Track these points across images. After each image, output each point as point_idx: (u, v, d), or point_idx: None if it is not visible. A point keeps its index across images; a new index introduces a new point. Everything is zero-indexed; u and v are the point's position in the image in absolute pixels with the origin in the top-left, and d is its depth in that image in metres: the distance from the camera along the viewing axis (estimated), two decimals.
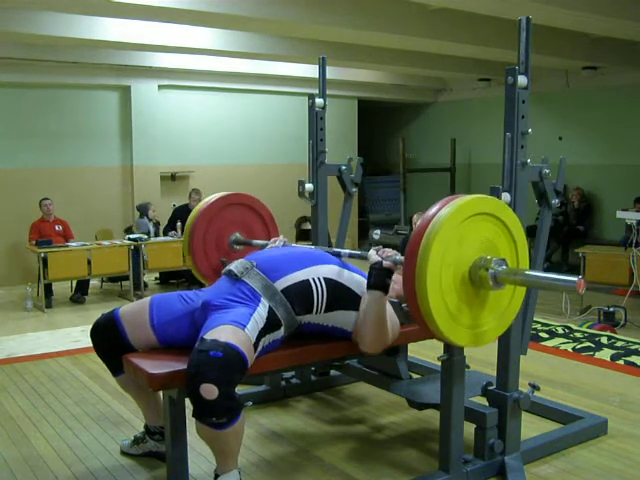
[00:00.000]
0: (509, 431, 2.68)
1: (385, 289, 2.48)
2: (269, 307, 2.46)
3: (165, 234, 7.51)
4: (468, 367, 2.61)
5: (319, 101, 3.56)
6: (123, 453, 2.94)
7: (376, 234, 7.74)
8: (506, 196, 2.55)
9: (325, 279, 2.59)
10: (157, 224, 7.70)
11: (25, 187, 7.69)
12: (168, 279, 7.79)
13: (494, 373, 2.79)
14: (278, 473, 2.76)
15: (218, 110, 9.14)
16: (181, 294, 2.67)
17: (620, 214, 6.24)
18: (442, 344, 2.51)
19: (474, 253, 2.24)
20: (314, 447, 2.99)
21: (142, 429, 2.95)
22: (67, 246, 6.73)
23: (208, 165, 9.00)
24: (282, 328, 2.51)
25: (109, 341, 2.61)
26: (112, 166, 8.44)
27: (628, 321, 5.61)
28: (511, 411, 2.68)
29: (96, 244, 6.96)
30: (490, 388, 2.75)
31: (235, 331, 2.27)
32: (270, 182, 9.10)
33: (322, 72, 3.62)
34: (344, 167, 3.66)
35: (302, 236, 6.78)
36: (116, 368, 2.66)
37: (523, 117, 2.56)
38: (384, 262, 2.47)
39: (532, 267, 2.65)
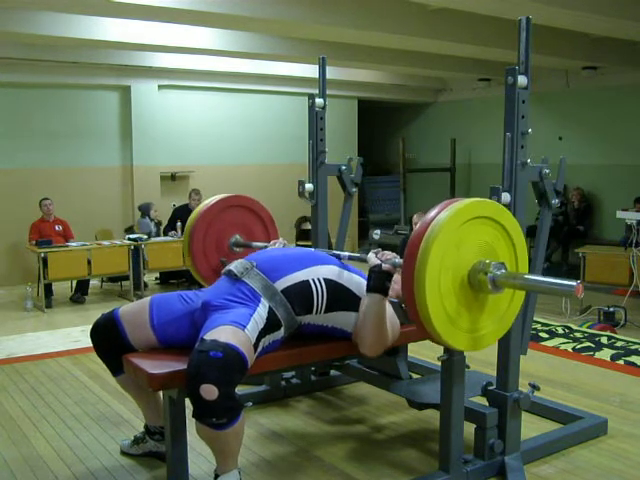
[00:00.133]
0: (509, 431, 2.68)
1: (385, 292, 2.48)
2: (269, 307, 2.46)
3: (165, 234, 7.51)
4: (468, 367, 2.61)
5: (319, 101, 3.56)
6: (123, 453, 2.94)
7: (376, 234, 7.74)
8: (506, 196, 2.55)
9: (325, 280, 2.59)
10: (158, 224, 7.70)
11: (25, 187, 7.69)
12: (168, 279, 7.79)
13: (494, 373, 2.79)
14: (278, 473, 2.76)
15: (218, 110, 9.14)
16: (181, 294, 2.67)
17: (620, 214, 6.24)
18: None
19: (473, 257, 2.24)
20: (314, 447, 2.99)
21: (142, 429, 2.95)
22: (67, 246, 6.74)
23: (208, 165, 9.00)
24: (282, 328, 2.51)
25: (109, 341, 2.61)
26: (112, 166, 8.44)
27: (628, 321, 5.61)
28: (511, 411, 2.68)
29: (96, 244, 6.97)
30: (490, 388, 2.75)
31: (235, 331, 2.27)
32: (270, 182, 9.11)
33: (322, 72, 3.62)
34: (344, 167, 3.66)
35: (302, 236, 6.76)
36: (116, 368, 2.66)
37: (523, 117, 2.55)
38: (383, 265, 2.47)
39: (532, 268, 2.66)
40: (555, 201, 2.76)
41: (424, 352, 3.82)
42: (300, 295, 2.53)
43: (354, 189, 3.70)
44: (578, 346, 4.71)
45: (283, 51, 7.09)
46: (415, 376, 3.38)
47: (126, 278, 7.03)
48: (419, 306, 2.12)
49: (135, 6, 4.88)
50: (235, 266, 2.59)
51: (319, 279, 2.58)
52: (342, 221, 3.80)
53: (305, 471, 2.77)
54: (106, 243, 7.01)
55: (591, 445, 2.99)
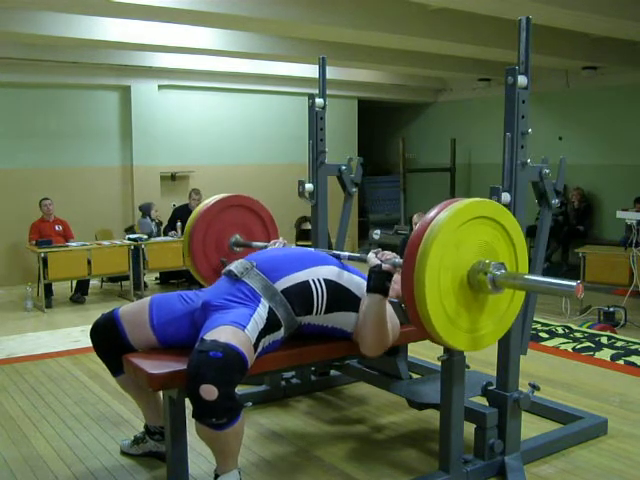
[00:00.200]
0: (509, 431, 2.68)
1: (385, 292, 2.47)
2: (269, 308, 2.46)
3: (165, 234, 7.51)
4: (468, 367, 2.61)
5: (319, 101, 3.56)
6: (123, 453, 2.94)
7: (376, 234, 7.74)
8: (506, 196, 2.55)
9: (325, 280, 2.59)
10: (159, 224, 7.70)
11: (25, 187, 7.69)
12: (168, 279, 7.79)
13: (494, 373, 2.79)
14: (278, 473, 2.76)
15: (218, 110, 9.14)
16: (181, 294, 2.67)
17: (620, 214, 6.24)
18: None
19: (473, 257, 2.23)
20: (314, 447, 2.99)
21: (142, 429, 2.95)
22: (67, 246, 6.74)
23: (208, 165, 9.00)
24: (282, 329, 2.51)
25: (109, 341, 2.61)
26: (112, 166, 8.44)
27: (628, 321, 5.61)
28: (511, 411, 2.68)
29: (96, 244, 6.97)
30: (490, 388, 2.75)
31: (235, 332, 2.27)
32: (270, 182, 9.11)
33: (322, 72, 3.62)
34: (344, 167, 3.65)
35: (302, 236, 6.76)
36: (116, 368, 2.66)
37: (523, 117, 2.55)
38: (383, 265, 2.47)
39: (532, 268, 2.65)
40: (555, 201, 2.76)
41: (424, 352, 3.82)
42: (300, 295, 2.53)
43: (354, 189, 3.70)
44: (578, 346, 4.71)
45: (283, 51, 7.09)
46: (415, 376, 3.38)
47: (126, 278, 7.03)
48: (419, 306, 2.12)
49: (135, 6, 4.88)
50: (235, 266, 2.59)
51: (319, 279, 2.58)
52: (342, 221, 3.80)
53: (305, 471, 2.77)
54: (106, 243, 7.01)
55: (591, 445, 2.99)
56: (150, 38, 6.42)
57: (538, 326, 5.28)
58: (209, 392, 2.09)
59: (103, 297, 7.18)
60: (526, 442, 2.83)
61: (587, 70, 8.24)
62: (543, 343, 4.81)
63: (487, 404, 2.74)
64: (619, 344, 4.75)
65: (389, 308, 2.59)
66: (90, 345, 2.71)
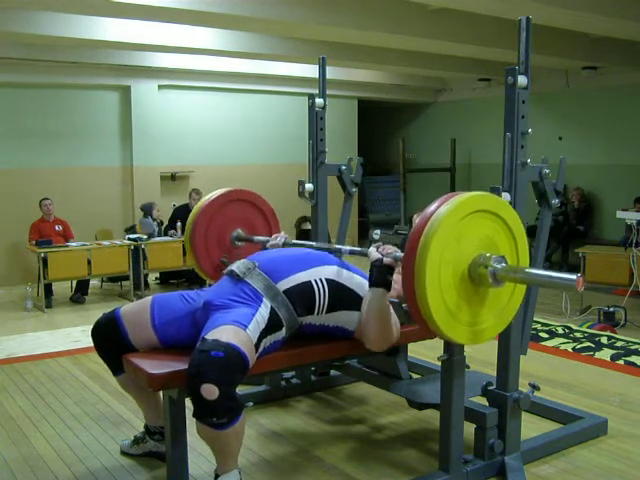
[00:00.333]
0: (509, 431, 2.68)
1: (387, 286, 2.48)
2: (271, 308, 2.46)
3: (166, 234, 7.51)
4: (468, 367, 2.61)
5: (319, 101, 3.56)
6: (123, 453, 2.94)
7: (376, 234, 7.72)
8: (506, 196, 2.55)
9: (327, 280, 2.59)
10: (161, 224, 7.71)
11: (25, 187, 7.69)
12: (168, 279, 7.79)
13: (494, 373, 2.79)
14: (278, 473, 2.76)
15: (218, 110, 9.14)
16: (182, 294, 2.67)
17: (620, 214, 6.24)
18: (442, 344, 2.52)
19: (473, 251, 2.23)
20: (314, 447, 2.99)
21: (142, 429, 2.95)
22: (67, 246, 6.74)
23: (208, 165, 9.00)
24: (283, 329, 2.51)
25: (110, 341, 2.61)
26: (112, 166, 8.44)
27: (628, 321, 5.61)
28: (511, 411, 2.68)
29: (96, 244, 6.96)
30: (490, 388, 2.75)
31: (237, 331, 2.27)
32: (270, 182, 9.10)
33: (322, 72, 3.62)
34: (344, 167, 3.65)
35: (302, 236, 6.77)
36: (117, 368, 2.66)
37: (523, 117, 2.55)
38: (384, 259, 2.47)
39: (532, 267, 2.65)
40: (555, 201, 2.76)
41: (424, 352, 3.82)
42: (302, 296, 2.53)
43: (354, 189, 3.69)
44: (578, 346, 4.71)
45: (283, 51, 7.09)
46: (415, 376, 3.38)
47: (126, 278, 7.03)
48: (419, 300, 2.12)
49: (135, 6, 4.88)
50: (237, 266, 2.59)
51: (321, 279, 2.58)
52: (342, 221, 3.80)
53: (305, 471, 2.77)
54: (106, 243, 7.01)
55: (591, 445, 2.99)
56: (150, 38, 6.42)
57: (538, 326, 5.28)
58: (210, 391, 2.09)
59: (103, 297, 7.18)
60: (526, 442, 2.83)
61: (587, 70, 8.24)
62: (543, 343, 4.81)
63: (487, 404, 2.74)
64: (619, 344, 4.75)
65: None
66: (90, 345, 2.71)
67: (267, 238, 3.31)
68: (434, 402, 2.71)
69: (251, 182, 8.86)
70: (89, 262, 6.63)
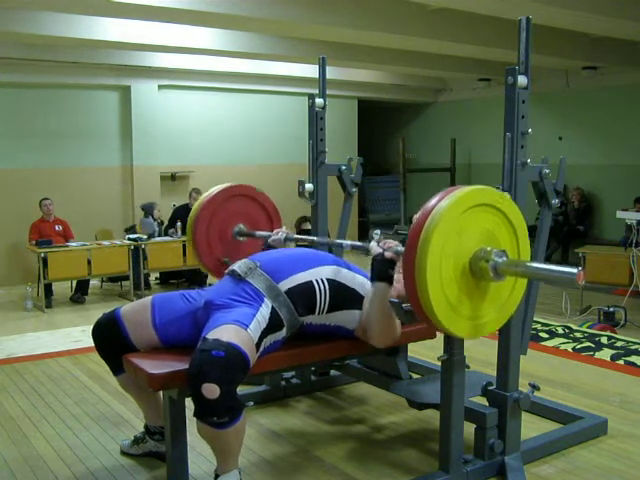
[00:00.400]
0: (509, 431, 2.68)
1: (389, 280, 2.49)
2: (272, 307, 2.47)
3: (166, 234, 7.51)
4: (468, 367, 2.61)
5: (319, 101, 3.56)
6: (123, 453, 2.94)
7: (376, 234, 7.72)
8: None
9: (328, 280, 2.60)
10: (161, 224, 7.71)
11: (25, 187, 7.69)
12: (168, 279, 7.80)
13: (494, 373, 2.79)
14: (278, 473, 2.76)
15: (218, 110, 9.14)
16: (183, 293, 2.67)
17: (620, 214, 6.25)
18: (442, 344, 2.52)
19: (474, 244, 2.23)
20: (314, 447, 2.99)
21: (142, 429, 2.95)
22: (67, 246, 6.74)
23: (208, 165, 9.00)
24: (284, 329, 2.52)
25: (111, 340, 2.61)
26: (112, 166, 8.44)
27: (628, 321, 5.61)
28: (511, 411, 2.68)
29: (96, 244, 6.97)
30: (490, 388, 2.75)
31: (238, 331, 2.27)
32: (270, 182, 9.05)
33: (322, 72, 3.62)
34: (344, 167, 3.65)
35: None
36: (117, 367, 2.65)
37: (523, 117, 2.55)
38: (386, 253, 2.48)
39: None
40: (555, 201, 2.76)
41: (424, 352, 3.82)
42: (303, 296, 2.54)
43: (354, 189, 3.70)
44: (578, 346, 4.71)
45: (283, 51, 7.09)
46: (415, 376, 3.38)
47: (126, 278, 7.03)
48: (421, 293, 2.12)
49: (135, 6, 4.88)
50: (239, 266, 2.59)
51: (322, 279, 2.59)
52: (342, 221, 3.80)
53: (305, 471, 2.77)
54: (106, 243, 7.01)
55: (591, 445, 2.99)
56: (150, 38, 6.43)
57: (538, 326, 5.28)
58: (211, 391, 2.10)
59: (103, 297, 7.18)
60: (526, 442, 2.83)
61: (587, 70, 8.24)
62: (543, 343, 4.81)
63: (487, 404, 2.74)
64: (619, 344, 4.74)
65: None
66: (90, 345, 2.71)
67: (269, 233, 3.32)
68: (434, 402, 2.70)
69: (251, 182, 8.79)
70: (89, 262, 6.63)
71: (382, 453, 2.93)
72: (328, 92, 3.66)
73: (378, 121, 12.03)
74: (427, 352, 3.79)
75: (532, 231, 3.21)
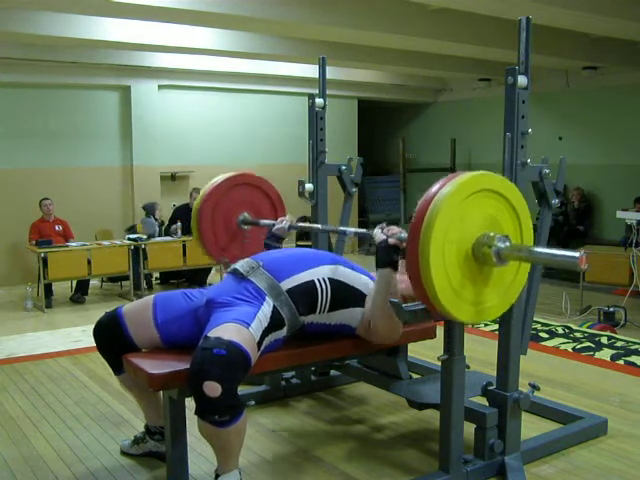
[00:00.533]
0: (509, 431, 2.68)
1: (393, 266, 2.49)
2: (273, 306, 2.47)
3: (167, 233, 7.52)
4: (468, 367, 2.61)
5: (319, 101, 3.56)
6: (123, 453, 2.94)
7: (374, 241, 7.72)
8: None
9: (330, 279, 2.60)
10: (162, 224, 7.72)
11: (25, 187, 7.69)
12: (168, 279, 7.80)
13: (494, 373, 2.79)
14: (278, 473, 2.76)
15: (218, 110, 9.15)
16: (185, 292, 2.68)
17: (620, 214, 6.25)
18: (442, 344, 2.52)
19: (477, 230, 2.23)
20: (314, 447, 2.99)
21: (142, 429, 2.95)
22: (67, 246, 6.74)
23: (208, 165, 8.99)
24: (285, 328, 2.52)
25: (112, 340, 2.61)
26: (112, 166, 8.44)
27: (628, 321, 5.61)
28: (511, 411, 2.68)
29: (96, 244, 6.97)
30: (490, 388, 2.75)
31: (239, 329, 2.28)
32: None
33: (322, 72, 3.62)
34: (344, 167, 3.65)
35: (302, 236, 6.78)
36: (118, 367, 2.65)
37: (523, 117, 2.55)
38: (389, 240, 2.49)
39: (532, 267, 2.65)
40: (555, 201, 2.76)
41: (424, 352, 3.82)
42: (305, 295, 2.54)
43: (354, 189, 3.69)
44: (578, 346, 4.71)
45: (283, 51, 7.09)
46: (415, 376, 3.38)
47: (126, 278, 7.03)
48: (424, 279, 2.12)
49: (135, 6, 4.88)
50: (241, 265, 2.60)
51: (324, 279, 2.59)
52: (342, 221, 3.79)
53: (305, 471, 2.77)
54: (106, 243, 7.01)
55: (591, 445, 2.98)
56: (150, 38, 6.43)
57: (538, 326, 5.28)
58: (213, 389, 2.10)
59: (103, 297, 7.19)
60: (526, 442, 2.83)
61: (587, 70, 8.24)
62: (543, 343, 4.81)
63: (487, 404, 2.74)
64: (619, 344, 4.74)
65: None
66: (90, 345, 2.71)
67: (273, 222, 3.32)
68: (434, 402, 2.70)
69: None
70: (89, 262, 6.63)
71: (382, 453, 2.93)
72: (328, 92, 3.66)
73: (378, 121, 12.04)
74: (427, 352, 3.79)
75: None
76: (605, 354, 4.50)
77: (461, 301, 2.21)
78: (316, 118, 3.56)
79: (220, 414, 2.14)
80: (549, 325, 5.36)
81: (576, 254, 2.05)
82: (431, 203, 2.13)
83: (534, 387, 2.78)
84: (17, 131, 7.74)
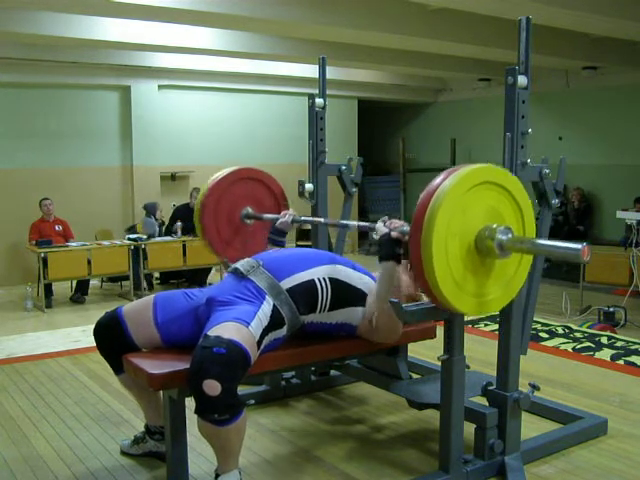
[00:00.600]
0: (509, 431, 2.68)
1: (396, 258, 2.49)
2: (273, 305, 2.48)
3: (168, 233, 7.52)
4: (468, 367, 2.61)
5: (319, 101, 3.56)
6: (123, 453, 2.94)
7: (376, 234, 7.74)
8: None
9: (330, 279, 2.61)
10: (162, 224, 7.72)
11: (25, 187, 7.69)
12: (168, 279, 7.80)
13: (494, 373, 2.79)
14: (278, 473, 2.76)
15: (218, 110, 9.14)
16: (185, 291, 2.69)
17: (620, 214, 6.25)
18: (442, 344, 2.52)
19: (480, 222, 2.24)
20: (314, 447, 2.99)
21: (142, 429, 2.95)
22: (67, 246, 6.74)
23: (208, 165, 8.97)
24: (285, 327, 2.53)
25: (112, 340, 2.61)
26: (112, 166, 8.44)
27: (628, 321, 5.61)
28: (511, 411, 2.68)
29: (96, 244, 6.97)
30: (490, 388, 2.75)
31: (239, 328, 2.28)
32: None
33: (322, 72, 3.62)
34: (344, 167, 3.65)
35: (302, 236, 6.77)
36: (118, 367, 2.65)
37: (523, 117, 2.55)
38: (392, 233, 2.49)
39: (532, 267, 2.65)
40: (555, 201, 2.76)
41: (424, 352, 3.82)
42: (305, 294, 2.55)
43: (354, 189, 3.70)
44: (578, 346, 4.71)
45: (283, 51, 7.09)
46: (415, 376, 3.38)
47: (126, 278, 7.03)
48: (426, 271, 2.13)
49: (135, 6, 4.88)
50: (242, 264, 2.61)
51: (324, 278, 2.60)
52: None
53: (305, 471, 2.77)
54: (106, 243, 7.01)
55: (591, 445, 2.99)
56: (150, 38, 6.43)
57: (538, 326, 5.28)
58: (212, 387, 2.10)
59: (103, 297, 7.19)
60: (526, 442, 2.83)
61: (587, 70, 8.24)
62: (543, 343, 4.81)
63: (487, 404, 2.74)
64: (619, 344, 4.74)
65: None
66: (90, 345, 2.72)
67: (276, 216, 3.32)
68: (434, 402, 2.70)
69: None
70: (89, 262, 6.63)
71: (382, 453, 2.93)
72: (328, 92, 3.66)
73: (378, 121, 12.03)
74: (427, 352, 3.79)
75: None
76: (605, 354, 4.50)
77: (463, 293, 2.22)
78: (316, 118, 3.56)
79: (220, 413, 2.14)
80: (549, 325, 5.36)
81: (579, 245, 2.06)
82: (433, 195, 2.14)
83: (534, 387, 2.78)
84: (17, 131, 7.74)
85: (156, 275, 7.83)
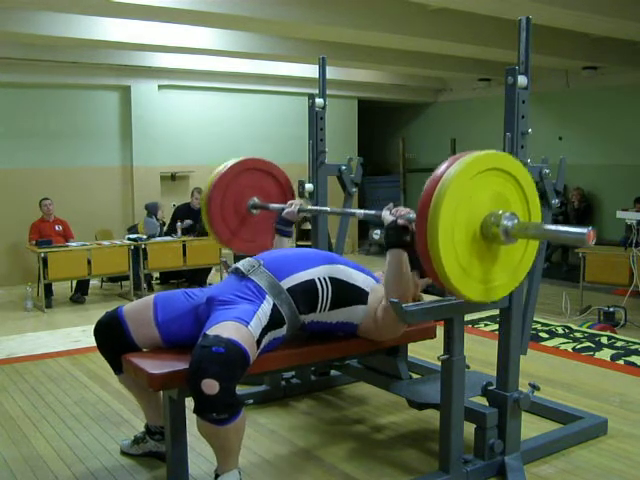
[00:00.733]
0: (509, 431, 2.68)
1: (403, 245, 2.50)
2: (273, 304, 2.48)
3: (169, 233, 7.52)
4: (468, 367, 2.61)
5: (319, 101, 3.56)
6: (123, 453, 2.94)
7: (376, 234, 7.72)
8: None
9: (331, 278, 2.61)
10: (163, 225, 7.72)
11: (25, 187, 7.70)
12: (168, 279, 7.80)
13: (494, 373, 2.79)
14: (278, 473, 2.76)
15: (218, 110, 9.15)
16: (185, 291, 2.68)
17: (620, 214, 6.25)
18: (442, 344, 2.52)
19: (485, 208, 2.23)
20: (314, 447, 2.99)
21: (142, 429, 2.95)
22: (67, 246, 6.74)
23: (208, 165, 8.94)
24: (285, 326, 2.52)
25: (113, 339, 2.61)
26: (112, 166, 8.44)
27: (628, 321, 5.62)
28: (511, 411, 2.68)
29: (96, 244, 6.97)
30: (490, 388, 2.75)
31: (238, 328, 2.28)
32: None
33: (322, 72, 3.62)
34: (344, 167, 3.65)
35: (302, 236, 6.77)
36: (119, 366, 2.65)
37: (523, 117, 2.55)
38: (398, 220, 2.50)
39: (532, 268, 2.65)
40: (555, 201, 2.76)
41: (424, 352, 3.82)
42: (305, 294, 2.55)
43: (354, 189, 3.69)
44: (578, 346, 4.71)
45: (283, 51, 7.09)
46: (415, 376, 3.38)
47: (126, 278, 7.03)
48: (433, 258, 2.13)
49: (135, 6, 4.88)
50: (242, 264, 2.61)
51: (325, 278, 2.60)
52: (342, 221, 3.80)
53: (305, 471, 2.77)
54: (106, 243, 7.02)
55: (591, 445, 2.98)
56: (150, 38, 6.43)
57: (538, 326, 5.28)
58: (211, 386, 2.10)
59: (103, 297, 7.19)
60: (526, 442, 2.83)
61: (587, 70, 8.25)
62: (543, 343, 4.81)
63: (487, 404, 2.74)
64: (619, 344, 4.75)
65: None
66: (90, 345, 2.72)
67: (283, 206, 3.32)
68: (434, 402, 2.70)
69: None
70: (89, 262, 6.63)
71: (382, 453, 2.93)
72: (328, 92, 3.67)
73: (378, 121, 12.04)
74: (427, 352, 3.79)
75: None
76: (605, 354, 4.50)
77: (470, 279, 2.21)
78: (316, 118, 3.56)
79: (218, 412, 2.14)
80: (549, 325, 5.36)
81: (584, 230, 2.05)
82: (439, 182, 2.13)
83: (534, 387, 2.78)
84: (17, 131, 7.74)
85: (155, 275, 7.83)
